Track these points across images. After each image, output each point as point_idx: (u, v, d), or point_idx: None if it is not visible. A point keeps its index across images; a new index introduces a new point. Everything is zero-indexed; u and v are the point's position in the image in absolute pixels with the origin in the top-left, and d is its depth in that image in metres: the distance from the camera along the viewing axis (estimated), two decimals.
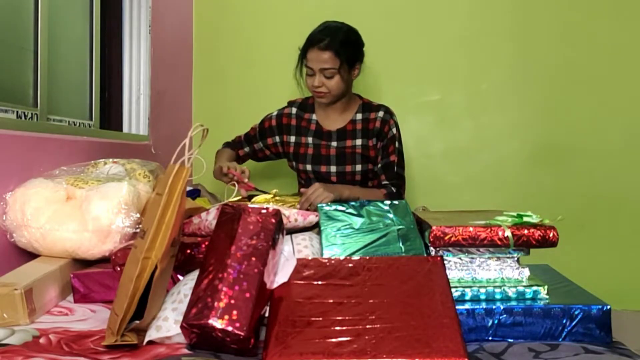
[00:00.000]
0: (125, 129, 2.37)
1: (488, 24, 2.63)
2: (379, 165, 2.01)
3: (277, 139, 2.11)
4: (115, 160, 1.63)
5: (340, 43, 1.89)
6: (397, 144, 2.02)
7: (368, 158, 2.02)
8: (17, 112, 1.67)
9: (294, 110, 2.11)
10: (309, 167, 2.05)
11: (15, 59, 1.73)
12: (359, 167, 2.01)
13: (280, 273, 1.10)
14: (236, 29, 2.78)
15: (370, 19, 2.62)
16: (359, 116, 2.05)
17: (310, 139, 2.07)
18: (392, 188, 1.97)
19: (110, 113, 2.33)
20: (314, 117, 2.09)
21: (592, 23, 2.56)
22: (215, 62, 2.80)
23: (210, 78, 2.81)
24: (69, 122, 2.00)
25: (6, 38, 1.69)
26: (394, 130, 2.02)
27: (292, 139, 2.09)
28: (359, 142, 2.03)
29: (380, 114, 2.03)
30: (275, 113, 2.13)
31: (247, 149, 2.16)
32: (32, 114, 1.74)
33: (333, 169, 2.03)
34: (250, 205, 1.24)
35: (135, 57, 2.38)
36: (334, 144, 2.04)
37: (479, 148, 2.65)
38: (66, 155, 1.66)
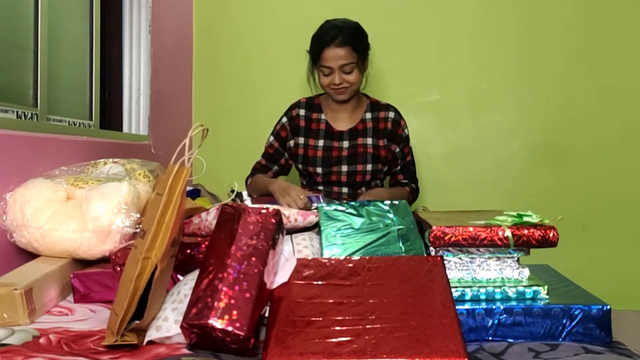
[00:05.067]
0: (125, 129, 2.37)
1: (488, 24, 2.63)
2: (398, 168, 2.08)
3: (292, 142, 2.08)
4: (115, 160, 1.63)
5: (354, 36, 1.92)
6: (410, 144, 2.10)
7: (379, 158, 2.03)
8: (17, 112, 1.67)
9: (301, 111, 2.08)
10: (319, 169, 2.03)
11: (15, 59, 1.73)
12: (369, 167, 2.01)
13: (280, 273, 1.10)
14: (236, 30, 2.78)
15: (370, 19, 2.61)
16: (369, 115, 2.06)
17: (320, 142, 2.04)
18: (413, 185, 2.09)
19: (110, 113, 2.33)
20: (323, 116, 2.07)
21: (593, 23, 2.57)
22: (215, 62, 2.80)
23: (210, 78, 2.81)
24: (69, 122, 2.00)
25: (6, 38, 1.69)
26: (406, 130, 2.08)
27: (301, 140, 2.06)
28: (369, 141, 2.03)
29: (391, 114, 2.06)
30: (284, 119, 2.09)
31: (275, 168, 2.12)
32: (32, 114, 1.74)
33: (344, 168, 2.02)
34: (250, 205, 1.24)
35: (135, 57, 2.38)
36: (346, 144, 2.03)
37: (479, 148, 2.65)
38: (66, 155, 1.66)
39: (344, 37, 1.89)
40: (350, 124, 2.05)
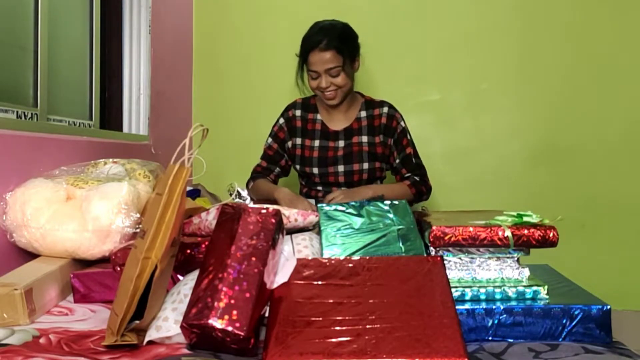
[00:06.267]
0: (125, 129, 2.37)
1: (488, 24, 2.63)
2: (397, 161, 2.03)
3: (290, 143, 2.08)
4: (115, 160, 1.63)
5: (339, 40, 1.90)
6: (408, 136, 2.05)
7: (375, 155, 2.02)
8: (17, 112, 1.67)
9: (297, 112, 2.08)
10: (315, 170, 2.03)
11: (15, 59, 1.73)
12: (365, 165, 2.01)
13: (280, 273, 1.10)
14: (236, 29, 2.78)
15: (370, 19, 2.62)
16: (363, 114, 2.05)
17: (316, 142, 2.04)
18: (415, 177, 2.01)
19: (110, 113, 2.33)
20: (319, 116, 2.07)
21: (593, 23, 2.56)
22: (215, 62, 2.80)
23: (210, 78, 2.81)
24: (69, 122, 2.00)
25: (6, 38, 1.69)
26: (402, 123, 2.05)
27: (298, 141, 2.06)
28: (365, 139, 2.02)
29: (385, 109, 2.04)
30: (281, 120, 2.09)
31: (277, 170, 2.09)
32: (32, 114, 1.74)
33: (340, 168, 2.01)
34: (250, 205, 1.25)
35: (135, 57, 2.38)
36: (341, 143, 2.03)
37: (479, 148, 2.65)
38: (66, 155, 1.66)
39: (328, 40, 1.88)
40: (346, 123, 2.05)
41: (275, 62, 2.73)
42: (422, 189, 2.01)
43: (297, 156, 2.07)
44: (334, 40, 1.89)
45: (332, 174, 2.02)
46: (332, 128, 2.05)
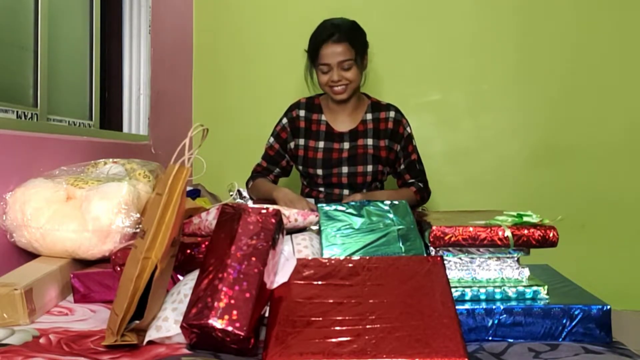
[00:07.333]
0: (125, 129, 2.37)
1: (489, 25, 2.63)
2: (402, 167, 2.05)
3: (292, 144, 2.07)
4: (115, 160, 1.63)
5: (351, 34, 1.92)
6: (414, 142, 2.07)
7: (379, 159, 2.02)
8: (17, 112, 1.67)
9: (301, 112, 2.07)
10: (319, 171, 2.02)
11: (15, 59, 1.73)
12: (370, 168, 2.00)
13: (280, 273, 1.10)
14: (236, 29, 2.78)
15: (371, 19, 2.61)
16: (369, 116, 2.05)
17: (321, 143, 2.03)
18: (420, 184, 2.05)
19: (110, 113, 2.33)
20: (323, 117, 2.06)
21: (593, 23, 2.57)
22: (215, 62, 2.80)
23: (210, 78, 2.81)
24: (69, 122, 2.00)
25: (6, 38, 1.69)
26: (408, 129, 2.06)
27: (302, 142, 2.05)
28: (370, 142, 2.02)
29: (392, 114, 2.04)
30: (285, 120, 2.07)
31: (277, 171, 2.10)
32: (32, 114, 1.74)
33: (345, 170, 2.01)
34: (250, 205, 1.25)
35: (135, 57, 2.38)
36: (346, 145, 2.02)
37: (479, 148, 2.65)
38: (66, 155, 1.66)
39: (341, 33, 1.89)
40: (351, 125, 2.05)
41: (275, 62, 2.73)
42: (424, 195, 2.07)
43: (300, 157, 2.06)
44: (346, 33, 1.90)
45: (335, 175, 2.02)
46: (337, 129, 2.05)
